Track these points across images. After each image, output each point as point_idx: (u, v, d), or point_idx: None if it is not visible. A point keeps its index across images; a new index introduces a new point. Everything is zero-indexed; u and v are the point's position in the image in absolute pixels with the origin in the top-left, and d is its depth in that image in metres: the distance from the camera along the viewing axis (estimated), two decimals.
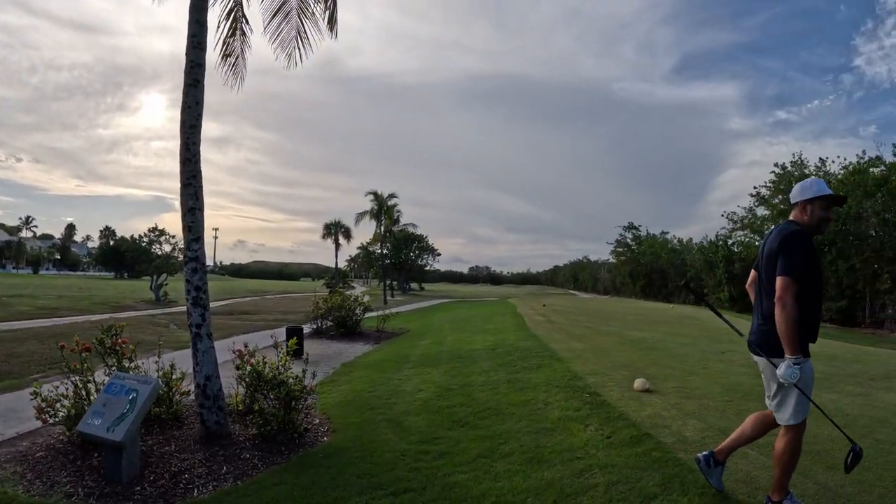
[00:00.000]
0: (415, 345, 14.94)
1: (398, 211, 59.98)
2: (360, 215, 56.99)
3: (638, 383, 8.34)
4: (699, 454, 4.67)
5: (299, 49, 8.82)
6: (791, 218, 4.24)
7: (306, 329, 16.95)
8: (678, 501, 4.32)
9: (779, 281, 3.87)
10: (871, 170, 30.69)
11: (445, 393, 8.34)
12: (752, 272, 4.53)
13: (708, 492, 4.45)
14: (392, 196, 57.65)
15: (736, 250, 46.02)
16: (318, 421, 7.16)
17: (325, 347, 14.84)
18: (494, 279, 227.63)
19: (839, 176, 34.28)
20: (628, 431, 6.06)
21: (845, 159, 36.57)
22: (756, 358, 4.24)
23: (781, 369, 3.83)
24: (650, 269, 68.05)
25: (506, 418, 6.80)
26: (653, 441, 5.72)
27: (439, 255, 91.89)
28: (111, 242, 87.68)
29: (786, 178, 40.05)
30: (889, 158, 30.72)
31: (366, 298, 20.15)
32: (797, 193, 4.21)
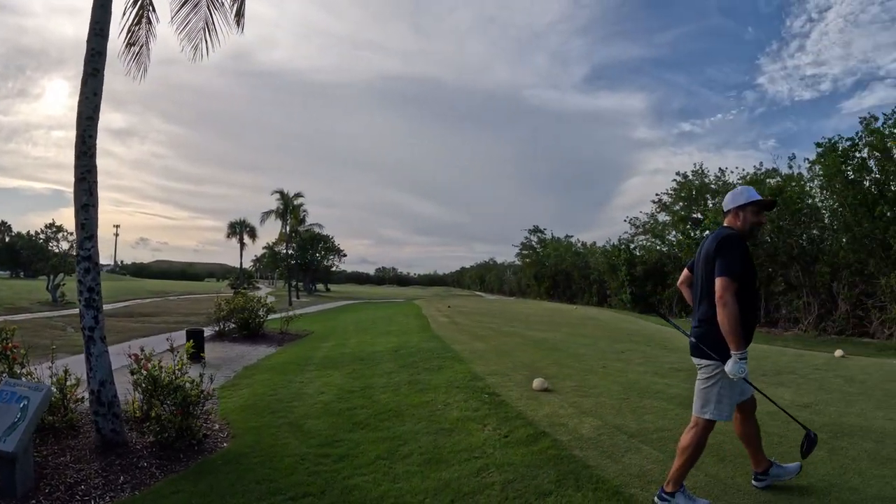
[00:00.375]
0: (318, 347, 14.81)
1: (304, 210, 59.35)
2: (266, 214, 55.83)
3: (536, 383, 8.48)
4: (753, 481, 4.76)
5: (207, 41, 8.62)
6: (725, 224, 4.49)
7: (208, 331, 16.57)
8: (572, 497, 4.41)
9: (718, 281, 4.07)
10: (768, 180, 31.92)
11: (347, 395, 8.29)
12: (685, 271, 4.79)
13: (602, 487, 4.57)
14: (298, 195, 56.95)
15: (638, 254, 47.10)
16: (217, 426, 6.97)
17: (228, 350, 14.57)
18: (401, 280, 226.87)
19: (734, 186, 35.50)
20: (525, 430, 6.16)
21: (744, 170, 37.97)
22: (693, 359, 4.41)
23: (729, 366, 4.00)
24: (555, 272, 68.96)
25: (406, 419, 6.83)
26: (549, 439, 5.84)
27: (345, 255, 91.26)
28: (6, 239, 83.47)
29: (686, 186, 41.18)
30: (785, 170, 32.06)
31: (270, 300, 19.88)
32: (729, 201, 4.51)
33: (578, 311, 34.44)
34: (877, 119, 23.85)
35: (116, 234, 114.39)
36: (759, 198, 4.37)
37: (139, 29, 8.21)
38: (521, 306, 39.62)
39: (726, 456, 5.45)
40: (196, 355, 10.45)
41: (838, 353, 14.76)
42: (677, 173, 43.08)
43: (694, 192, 40.59)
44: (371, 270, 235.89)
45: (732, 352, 3.99)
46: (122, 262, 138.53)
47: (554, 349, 13.45)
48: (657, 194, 45.62)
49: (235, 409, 7.82)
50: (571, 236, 74.51)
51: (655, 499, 4.35)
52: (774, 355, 13.95)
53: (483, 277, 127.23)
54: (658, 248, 45.23)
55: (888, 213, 22.67)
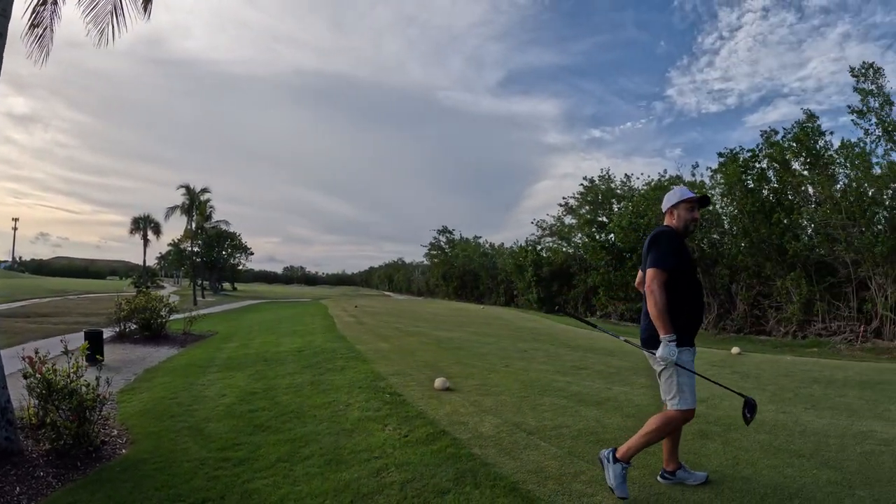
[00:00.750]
0: (221, 348, 14.59)
1: (211, 206, 58.00)
2: (171, 210, 54.43)
3: (438, 382, 8.59)
4: (659, 477, 4.91)
5: (113, 26, 8.34)
6: (664, 223, 4.78)
7: (109, 333, 16.14)
8: (470, 494, 4.49)
9: (648, 272, 4.36)
10: (672, 187, 33.04)
11: (249, 397, 8.21)
12: (640, 273, 4.91)
13: (499, 483, 4.67)
14: (205, 190, 55.74)
15: (544, 255, 47.94)
16: (116, 432, 6.76)
17: (128, 352, 14.20)
18: (309, 280, 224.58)
19: (641, 191, 36.63)
20: (425, 429, 6.25)
21: (649, 177, 39.33)
22: (646, 353, 4.62)
23: (660, 350, 4.21)
24: (463, 272, 69.59)
25: (307, 421, 6.81)
26: (448, 438, 5.94)
27: (252, 254, 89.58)
28: None
29: (593, 190, 42.31)
30: (688, 178, 33.33)
31: (174, 299, 19.41)
32: (665, 202, 4.80)
33: (485, 311, 34.88)
34: (777, 133, 25.39)
35: (15, 229, 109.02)
36: (692, 195, 4.65)
37: (44, 9, 7.90)
38: (429, 306, 39.83)
39: None
40: (94, 357, 10.19)
41: (735, 350, 15.46)
42: (584, 178, 44.31)
43: (600, 196, 41.68)
44: (279, 269, 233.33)
45: (661, 336, 4.22)
46: (20, 258, 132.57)
47: (458, 349, 13.62)
48: (564, 198, 46.67)
49: (135, 414, 7.66)
50: (480, 237, 75.53)
51: (600, 453, 4.71)
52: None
53: (392, 277, 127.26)
54: (564, 249, 46.18)
55: (784, 221, 23.97)
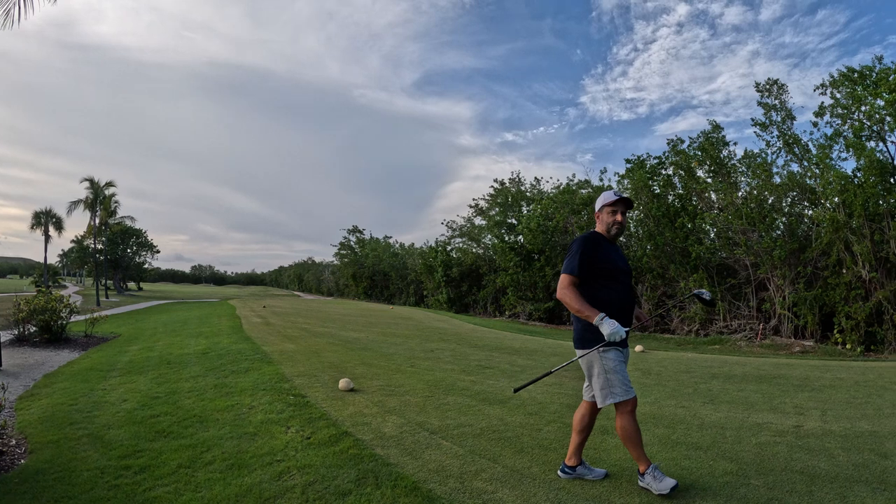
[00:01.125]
0: (124, 351, 14.25)
1: (116, 202, 55.79)
2: (74, 204, 51.73)
3: (342, 383, 8.65)
4: (559, 471, 5.07)
5: (21, 7, 7.91)
6: (594, 228, 4.95)
7: (7, 336, 15.62)
8: (371, 495, 4.55)
9: (560, 278, 4.61)
10: (580, 191, 33.85)
11: (151, 402, 8.05)
12: None
13: (400, 483, 4.76)
14: (110, 184, 53.36)
15: (454, 256, 48.22)
16: (14, 442, 6.52)
17: (27, 356, 13.72)
18: (218, 279, 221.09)
19: (550, 194, 37.27)
20: (328, 431, 6.30)
21: (558, 180, 40.07)
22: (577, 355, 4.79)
23: (604, 332, 4.34)
24: (373, 272, 69.33)
25: (210, 425, 6.76)
26: (351, 439, 6.01)
27: (158, 251, 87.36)
28: None
29: (503, 192, 42.74)
30: (596, 182, 34.18)
31: (76, 300, 18.86)
32: (595, 207, 4.95)
33: (394, 312, 34.96)
34: (683, 142, 26.50)
35: None
36: (614, 199, 4.80)
37: None
38: (338, 307, 39.70)
39: (524, 448, 5.83)
40: None
41: (638, 348, 15.97)
42: (495, 180, 44.69)
43: (510, 198, 42.14)
44: (187, 268, 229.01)
45: (594, 321, 4.39)
46: None
47: (364, 349, 13.69)
48: (474, 199, 47.08)
49: (34, 422, 7.45)
50: (390, 237, 75.28)
51: (638, 481, 4.76)
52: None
53: (301, 277, 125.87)
54: (474, 250, 46.49)
55: (689, 225, 24.96)
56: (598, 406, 4.70)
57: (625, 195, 4.82)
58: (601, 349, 4.53)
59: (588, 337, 4.61)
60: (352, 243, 77.15)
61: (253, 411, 7.33)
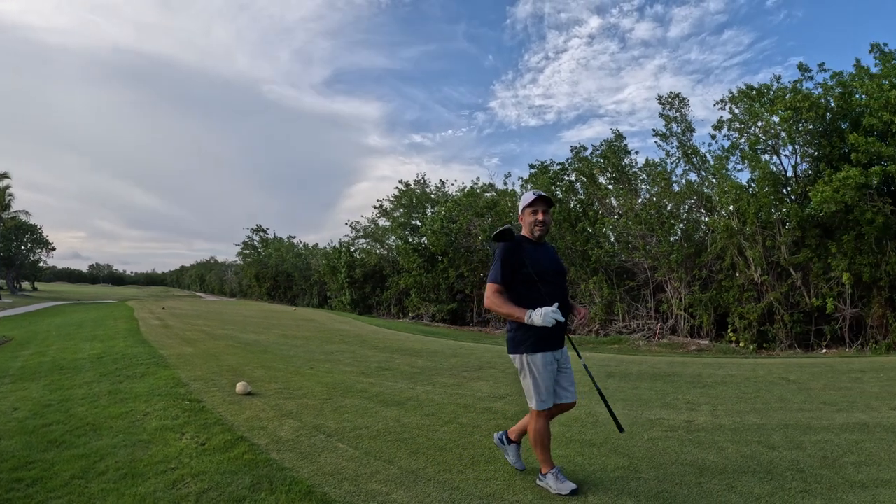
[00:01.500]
0: (16, 356, 13.79)
1: (11, 195, 53.79)
2: None
3: (239, 387, 8.62)
4: (495, 434, 5.37)
5: None
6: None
7: None
8: (266, 500, 4.58)
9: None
10: (485, 194, 34.33)
11: (43, 410, 7.81)
12: None
13: (295, 488, 4.80)
14: (4, 176, 51.38)
15: (358, 257, 48.06)
16: None
17: None
18: (116, 279, 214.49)
19: (454, 196, 37.63)
20: (223, 436, 6.29)
21: (463, 183, 40.50)
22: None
23: (536, 320, 4.38)
24: (276, 272, 68.50)
25: (103, 433, 6.61)
26: (247, 444, 6.01)
27: (54, 249, 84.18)
28: None
29: (408, 194, 42.82)
30: (500, 186, 34.82)
31: None
32: (518, 210, 5.02)
33: (297, 313, 34.75)
34: (586, 149, 27.43)
35: None
36: (532, 198, 4.84)
37: None
38: (240, 308, 39.26)
39: (419, 449, 5.94)
40: None
41: None
42: (400, 181, 44.74)
43: (415, 200, 42.26)
44: (84, 267, 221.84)
45: (525, 320, 4.45)
46: None
47: (264, 352, 13.63)
48: (379, 200, 47.10)
49: None
50: (294, 237, 74.43)
51: (536, 480, 4.93)
52: (480, 352, 15.07)
53: (203, 277, 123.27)
54: (378, 251, 46.42)
55: (589, 229, 25.83)
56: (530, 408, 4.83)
57: (542, 193, 4.85)
58: (529, 353, 4.66)
59: (518, 338, 4.70)
60: (255, 243, 75.96)
61: (147, 418, 7.22)
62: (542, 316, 4.35)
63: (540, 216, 4.80)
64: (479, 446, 5.96)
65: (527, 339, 4.64)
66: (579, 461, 5.56)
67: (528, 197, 4.86)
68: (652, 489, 4.80)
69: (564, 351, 4.94)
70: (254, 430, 6.63)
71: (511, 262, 4.66)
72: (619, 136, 26.07)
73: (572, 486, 4.69)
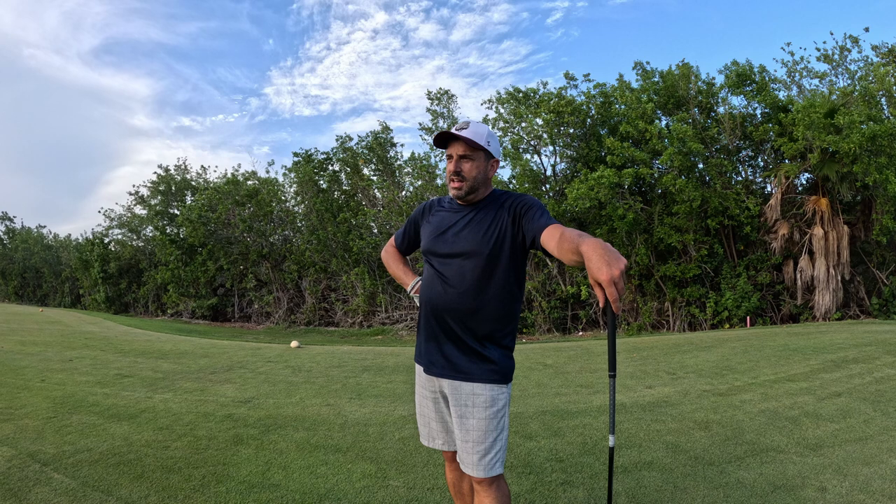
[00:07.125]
0: None
1: None
2: None
3: None
4: None
5: None
6: None
7: None
8: None
9: None
10: (247, 182, 33.45)
11: None
12: None
13: None
14: None
15: (113, 249, 45.25)
16: None
17: None
18: None
19: (215, 184, 36.38)
20: None
21: (225, 170, 39.24)
22: None
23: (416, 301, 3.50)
24: (24, 268, 63.26)
25: None
26: None
27: None
28: None
29: (166, 179, 40.92)
30: (262, 174, 34.32)
31: None
32: None
33: (44, 315, 32.19)
34: (352, 139, 28.00)
35: None
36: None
37: None
38: None
39: (145, 471, 5.31)
40: None
41: (294, 343, 16.01)
42: (159, 166, 42.85)
43: (174, 186, 40.56)
44: None
45: (409, 289, 3.39)
46: None
47: None
48: (134, 185, 44.80)
49: None
50: (44, 227, 68.75)
51: None
52: (233, 351, 14.50)
53: None
54: (133, 243, 44.14)
55: (352, 220, 26.14)
56: None
57: (454, 130, 3.03)
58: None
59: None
60: (0, 234, 69.46)
61: None
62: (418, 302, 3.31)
63: (451, 165, 3.05)
64: (212, 462, 5.45)
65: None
66: (322, 471, 5.18)
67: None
68: (401, 498, 4.59)
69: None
70: None
71: (413, 220, 3.47)
72: (386, 129, 26.60)
73: None
